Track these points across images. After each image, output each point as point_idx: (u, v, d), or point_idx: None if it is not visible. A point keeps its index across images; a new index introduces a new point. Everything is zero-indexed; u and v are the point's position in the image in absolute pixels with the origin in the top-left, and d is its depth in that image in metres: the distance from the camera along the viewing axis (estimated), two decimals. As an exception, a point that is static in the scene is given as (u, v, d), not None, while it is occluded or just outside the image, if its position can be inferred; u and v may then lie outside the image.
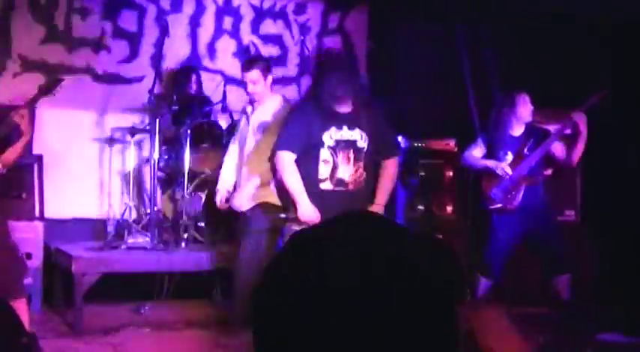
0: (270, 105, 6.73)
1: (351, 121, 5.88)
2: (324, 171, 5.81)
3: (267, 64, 6.96)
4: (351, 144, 5.86)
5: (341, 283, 1.43)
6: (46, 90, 6.24)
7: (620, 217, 8.61)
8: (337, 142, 5.84)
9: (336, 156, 5.82)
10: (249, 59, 7.50)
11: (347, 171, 5.82)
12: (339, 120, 5.86)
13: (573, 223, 8.71)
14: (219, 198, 7.15)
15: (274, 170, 6.23)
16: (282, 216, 6.14)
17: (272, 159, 6.14)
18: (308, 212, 5.80)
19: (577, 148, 7.21)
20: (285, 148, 5.89)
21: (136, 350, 6.80)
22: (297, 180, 5.84)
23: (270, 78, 6.82)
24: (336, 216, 1.55)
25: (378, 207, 6.06)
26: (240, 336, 6.29)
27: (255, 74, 6.68)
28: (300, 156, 5.87)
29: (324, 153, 5.81)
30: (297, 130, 5.90)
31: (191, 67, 9.31)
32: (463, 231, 8.78)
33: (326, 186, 5.81)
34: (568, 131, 7.34)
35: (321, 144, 5.82)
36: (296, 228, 5.75)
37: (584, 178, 8.69)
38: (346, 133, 5.85)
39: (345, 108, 5.90)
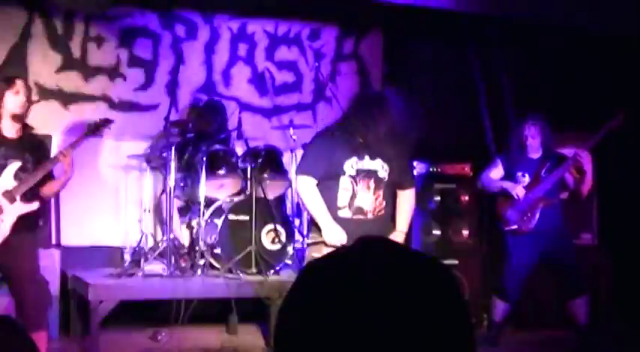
0: None
1: (373, 151, 5.85)
2: (343, 198, 5.78)
3: None
4: (372, 173, 5.83)
5: (351, 315, 1.43)
6: (94, 130, 6.27)
7: (638, 240, 8.59)
8: (358, 171, 5.81)
9: (356, 185, 5.79)
10: None
11: (366, 200, 5.79)
12: (362, 150, 5.83)
13: (590, 246, 8.68)
14: None
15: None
16: (309, 241, 6.10)
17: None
18: (334, 234, 5.74)
19: (584, 184, 7.26)
20: (306, 173, 5.86)
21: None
22: (320, 203, 5.79)
23: None
24: (346, 245, 1.56)
25: (399, 234, 6.02)
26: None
27: None
28: (320, 182, 5.83)
29: (345, 182, 5.78)
30: (320, 156, 5.86)
31: (219, 104, 9.28)
32: (479, 256, 8.76)
33: (344, 213, 5.78)
34: (571, 176, 7.36)
35: (342, 172, 5.79)
36: (316, 254, 5.75)
37: (601, 201, 8.67)
38: (367, 163, 5.83)
39: (369, 138, 5.86)
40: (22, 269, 5.98)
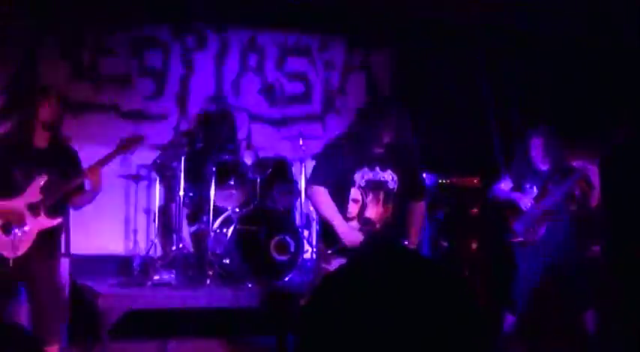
0: None
1: (383, 162, 5.85)
2: (352, 209, 5.78)
3: None
4: (381, 185, 5.83)
5: (369, 321, 1.46)
6: (124, 148, 6.26)
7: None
8: (367, 183, 5.81)
9: (366, 197, 5.79)
10: None
11: (375, 212, 5.79)
12: (373, 161, 5.83)
13: (599, 259, 8.66)
14: None
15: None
16: (329, 252, 6.07)
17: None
18: (350, 235, 5.74)
19: (592, 198, 7.24)
20: (318, 183, 5.85)
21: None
22: (332, 208, 5.77)
23: None
24: (359, 254, 1.58)
25: (409, 247, 6.03)
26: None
27: None
28: (331, 192, 5.82)
29: (355, 192, 5.78)
30: (331, 166, 5.86)
31: (227, 110, 9.31)
32: (488, 268, 8.75)
33: (353, 224, 5.78)
34: (578, 190, 7.35)
35: (352, 183, 5.78)
36: (324, 265, 5.76)
37: (610, 214, 8.64)
38: (378, 174, 5.83)
39: (379, 149, 5.87)
40: (43, 284, 5.96)
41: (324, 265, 5.77)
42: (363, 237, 5.71)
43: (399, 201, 5.96)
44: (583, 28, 8.59)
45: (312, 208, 6.00)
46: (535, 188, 7.41)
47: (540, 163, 7.43)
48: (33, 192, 5.83)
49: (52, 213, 5.90)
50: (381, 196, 5.81)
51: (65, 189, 5.94)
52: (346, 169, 5.83)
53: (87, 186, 6.18)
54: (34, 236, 5.82)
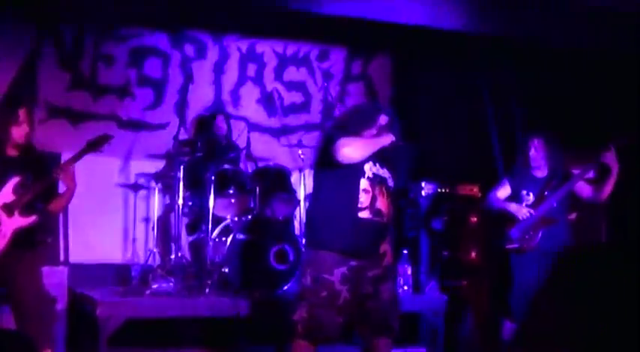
0: None
1: (381, 160, 5.84)
2: (364, 199, 5.72)
3: None
4: (384, 180, 5.81)
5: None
6: (93, 146, 6.29)
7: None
8: (374, 175, 5.79)
9: (374, 189, 5.75)
10: None
11: (383, 203, 5.76)
12: (375, 157, 5.81)
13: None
14: None
15: None
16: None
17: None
18: (387, 137, 5.71)
19: (608, 183, 7.15)
20: (344, 135, 5.68)
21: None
22: (361, 139, 5.68)
23: None
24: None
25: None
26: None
27: None
28: (343, 180, 5.74)
29: (364, 183, 5.73)
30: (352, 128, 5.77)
31: (218, 110, 9.34)
32: (488, 276, 8.73)
33: (365, 214, 5.70)
34: (591, 174, 7.30)
35: (363, 173, 5.74)
36: (326, 276, 5.71)
37: (610, 222, 8.63)
38: (379, 170, 5.82)
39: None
40: (22, 286, 6.00)
41: (325, 275, 5.71)
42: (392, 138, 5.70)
43: (394, 197, 5.98)
44: (584, 36, 8.58)
45: (353, 156, 5.63)
46: (532, 195, 7.40)
47: (539, 169, 7.43)
48: (6, 193, 5.93)
49: (26, 212, 5.99)
50: (384, 190, 5.78)
51: (38, 187, 6.03)
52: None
53: (61, 188, 6.28)
54: (9, 235, 5.88)
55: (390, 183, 5.84)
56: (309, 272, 5.69)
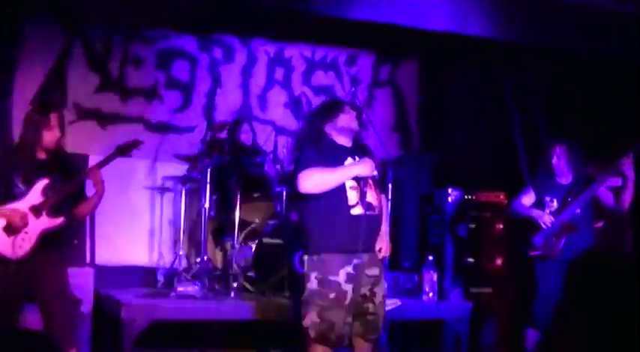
0: None
1: (361, 152, 5.85)
2: (353, 197, 5.71)
3: None
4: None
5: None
6: (123, 151, 6.32)
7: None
8: None
9: (361, 184, 5.72)
10: None
11: (372, 196, 5.76)
12: (352, 152, 5.81)
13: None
14: None
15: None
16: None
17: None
18: (364, 165, 5.66)
19: (626, 193, 7.13)
20: (305, 168, 5.70)
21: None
22: (327, 170, 5.68)
23: None
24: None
25: (385, 234, 5.99)
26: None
27: None
28: None
29: (350, 182, 5.72)
30: (316, 155, 5.78)
31: (243, 116, 9.35)
32: (512, 284, 8.70)
33: (357, 211, 5.69)
34: (614, 180, 7.27)
35: None
36: (313, 274, 5.71)
37: (636, 230, 8.58)
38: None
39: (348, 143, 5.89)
40: (48, 287, 6.01)
41: (331, 277, 5.71)
42: (372, 164, 5.70)
43: (380, 186, 5.98)
44: (607, 45, 8.56)
45: (312, 190, 5.66)
46: (555, 201, 7.38)
47: (562, 176, 7.41)
48: (34, 195, 5.94)
49: (54, 213, 5.99)
50: (371, 182, 5.77)
51: (66, 188, 6.03)
52: (337, 156, 5.78)
53: (89, 192, 6.30)
54: (36, 236, 5.90)
55: (374, 172, 5.82)
56: (315, 276, 5.71)
